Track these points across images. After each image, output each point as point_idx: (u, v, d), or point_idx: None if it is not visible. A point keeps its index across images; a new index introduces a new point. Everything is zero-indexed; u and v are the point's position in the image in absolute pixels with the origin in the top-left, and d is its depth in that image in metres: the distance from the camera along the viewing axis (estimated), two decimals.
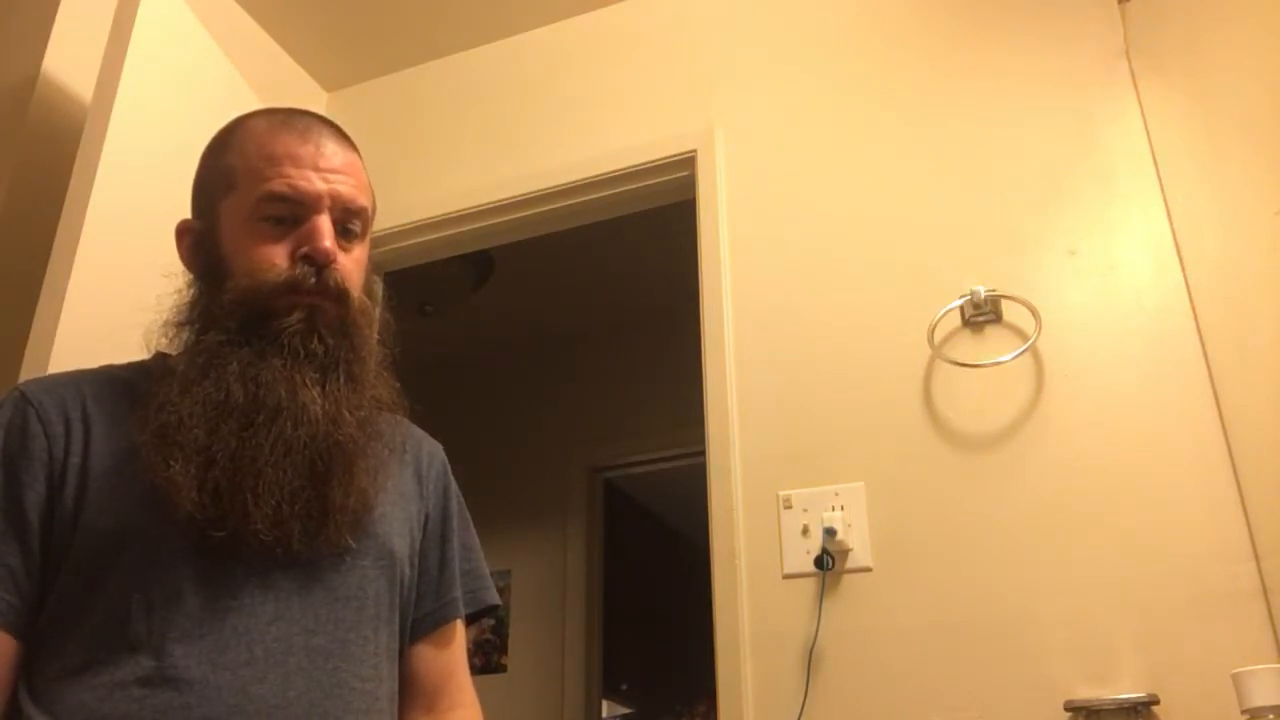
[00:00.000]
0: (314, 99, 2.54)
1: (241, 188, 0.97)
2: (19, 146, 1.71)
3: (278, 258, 0.95)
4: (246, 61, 2.09)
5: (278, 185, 0.96)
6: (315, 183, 0.97)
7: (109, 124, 1.59)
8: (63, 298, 1.48)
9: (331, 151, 1.00)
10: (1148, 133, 1.76)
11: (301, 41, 2.45)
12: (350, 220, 1.00)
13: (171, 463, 0.87)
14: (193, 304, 1.00)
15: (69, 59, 1.79)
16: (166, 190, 1.60)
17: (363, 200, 1.01)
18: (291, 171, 0.96)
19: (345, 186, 0.99)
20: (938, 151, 1.90)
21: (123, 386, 0.97)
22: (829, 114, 2.02)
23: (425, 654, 1.06)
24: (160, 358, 1.03)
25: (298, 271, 0.95)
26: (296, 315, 0.94)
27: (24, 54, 1.78)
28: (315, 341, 0.94)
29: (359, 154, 1.05)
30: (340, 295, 0.97)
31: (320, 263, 0.95)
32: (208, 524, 0.87)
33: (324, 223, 0.97)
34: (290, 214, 0.97)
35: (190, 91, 1.81)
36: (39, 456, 0.89)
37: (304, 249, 0.96)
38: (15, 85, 1.76)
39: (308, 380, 0.93)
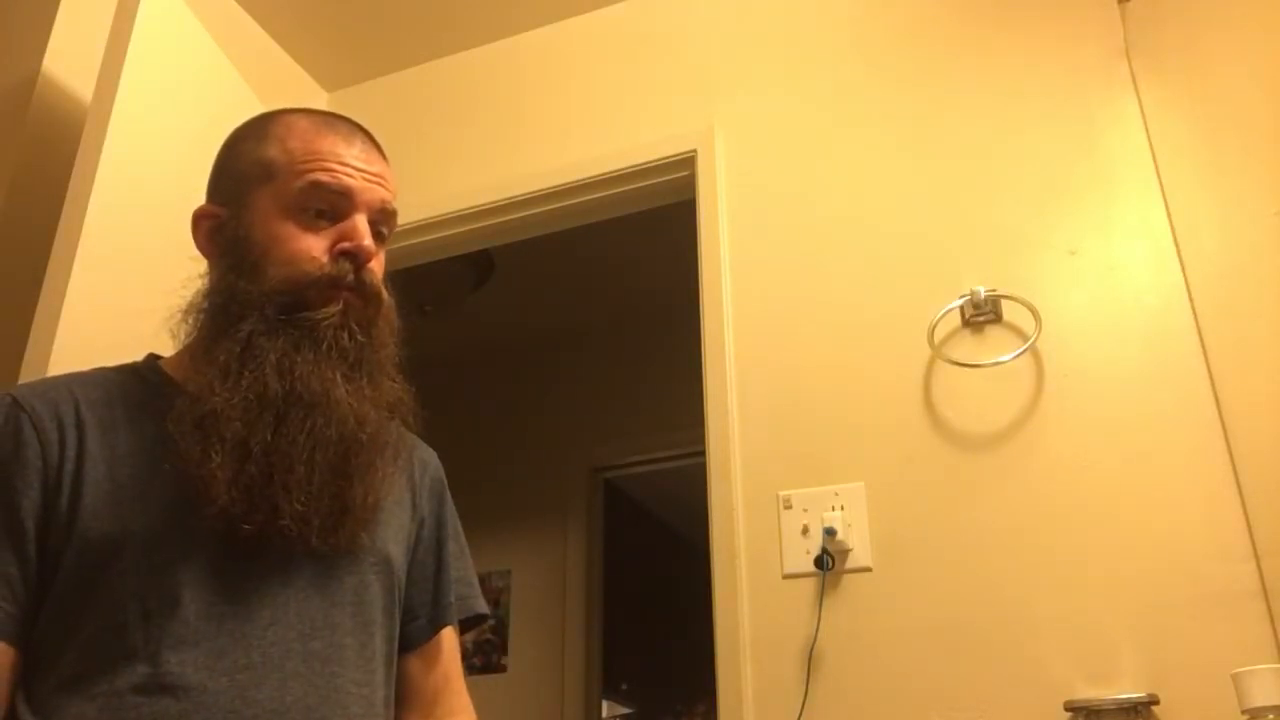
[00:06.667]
0: (314, 99, 2.54)
1: (281, 178, 0.98)
2: (19, 146, 1.71)
3: (316, 250, 0.96)
4: (246, 61, 2.09)
5: (323, 176, 0.97)
6: (358, 180, 0.99)
7: (109, 124, 1.59)
8: (63, 298, 1.48)
9: (372, 157, 1.03)
10: (1148, 133, 1.76)
11: (301, 41, 2.45)
12: (381, 224, 1.02)
13: (213, 454, 0.87)
14: (212, 290, 0.99)
15: (69, 59, 1.79)
16: (167, 190, 1.61)
17: (394, 206, 1.03)
18: (336, 166, 0.99)
19: (383, 190, 1.01)
20: (938, 151, 1.90)
21: (115, 389, 0.97)
22: (829, 114, 2.02)
23: (421, 661, 1.05)
24: (152, 359, 1.03)
25: (339, 267, 0.96)
26: (333, 309, 0.95)
27: (24, 54, 1.78)
28: (347, 337, 0.95)
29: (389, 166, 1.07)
30: (373, 295, 0.99)
31: (360, 261, 0.97)
32: (237, 519, 0.87)
33: (363, 222, 0.99)
34: (331, 208, 0.98)
35: (190, 91, 1.81)
36: (33, 463, 0.88)
37: (343, 245, 0.97)
38: (15, 85, 1.76)
39: (337, 376, 0.93)
